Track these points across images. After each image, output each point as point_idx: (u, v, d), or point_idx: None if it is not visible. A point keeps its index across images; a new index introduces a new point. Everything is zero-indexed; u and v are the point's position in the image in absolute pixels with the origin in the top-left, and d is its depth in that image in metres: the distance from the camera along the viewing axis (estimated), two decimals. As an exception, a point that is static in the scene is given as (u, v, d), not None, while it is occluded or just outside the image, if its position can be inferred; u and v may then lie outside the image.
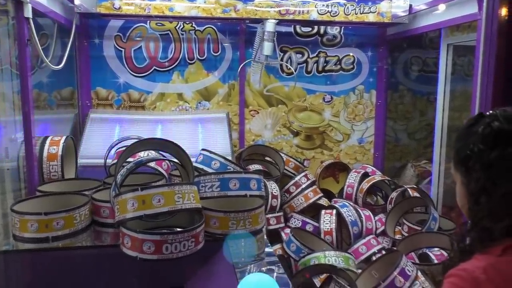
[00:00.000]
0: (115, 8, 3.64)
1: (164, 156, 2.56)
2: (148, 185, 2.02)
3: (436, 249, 2.95)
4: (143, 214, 1.91)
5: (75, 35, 3.63)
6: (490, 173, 1.10)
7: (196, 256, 1.98)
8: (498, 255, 1.06)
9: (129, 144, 2.29)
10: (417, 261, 2.93)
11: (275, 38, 3.93)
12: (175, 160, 2.32)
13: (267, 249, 2.23)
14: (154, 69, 4.18)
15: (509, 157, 1.07)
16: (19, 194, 2.77)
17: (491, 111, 1.15)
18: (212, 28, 4.19)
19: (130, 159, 2.35)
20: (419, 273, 2.49)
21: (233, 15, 3.78)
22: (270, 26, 3.87)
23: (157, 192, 1.93)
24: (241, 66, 4.15)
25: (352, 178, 3.88)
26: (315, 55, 4.39)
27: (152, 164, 2.80)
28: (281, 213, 3.54)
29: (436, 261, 2.84)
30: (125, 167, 2.16)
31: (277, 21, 3.90)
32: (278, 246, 3.35)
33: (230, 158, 3.48)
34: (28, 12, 2.64)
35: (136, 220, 1.95)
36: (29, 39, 2.69)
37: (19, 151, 2.79)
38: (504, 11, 1.79)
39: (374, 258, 3.03)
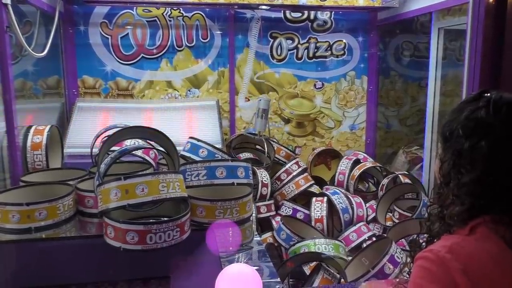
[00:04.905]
0: (100, -6, 3.57)
1: (151, 145, 2.51)
2: (131, 174, 1.98)
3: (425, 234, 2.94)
4: (127, 204, 1.87)
5: (59, 22, 3.55)
6: (458, 161, 1.09)
7: (183, 245, 1.94)
8: (466, 235, 1.05)
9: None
10: (407, 248, 2.92)
11: (268, 115, 3.98)
12: (161, 148, 2.28)
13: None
14: (142, 56, 4.10)
15: (479, 150, 1.05)
16: (3, 185, 2.72)
17: (492, 93, 1.11)
18: (201, 14, 4.11)
19: (115, 148, 2.30)
20: (409, 260, 2.47)
21: (221, 0, 3.71)
22: (264, 103, 3.87)
23: (141, 181, 1.89)
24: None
25: (344, 165, 3.85)
26: (305, 41, 4.33)
27: (140, 152, 2.75)
28: (271, 201, 3.51)
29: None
30: (110, 156, 2.12)
31: (269, 99, 4.01)
32: (268, 234, 3.33)
33: (220, 146, 3.45)
34: (6, -2, 2.57)
35: (120, 210, 1.91)
36: (8, 26, 2.61)
37: (2, 141, 2.73)
38: (492, -7, 1.75)
39: (364, 245, 3.02)
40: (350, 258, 2.79)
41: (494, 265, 0.98)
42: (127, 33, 4.04)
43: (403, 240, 3.00)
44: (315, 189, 3.69)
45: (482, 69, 1.80)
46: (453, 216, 1.09)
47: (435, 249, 1.02)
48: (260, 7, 3.91)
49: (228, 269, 1.33)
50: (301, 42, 4.32)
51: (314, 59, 4.37)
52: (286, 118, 4.43)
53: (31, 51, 2.94)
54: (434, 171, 1.22)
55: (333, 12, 4.28)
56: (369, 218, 3.46)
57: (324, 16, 4.31)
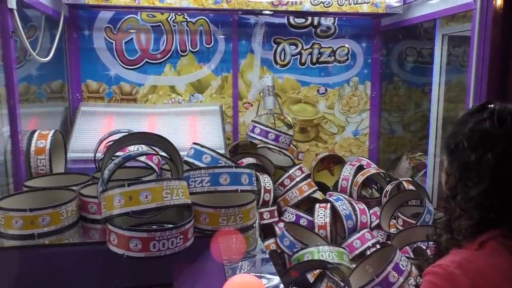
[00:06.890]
0: (105, -1, 3.57)
1: (155, 150, 2.51)
2: (135, 181, 1.97)
3: (431, 243, 2.92)
4: (130, 210, 1.86)
5: (64, 27, 3.55)
6: (465, 174, 1.08)
7: (186, 253, 1.93)
8: (475, 250, 1.04)
9: (117, 138, 2.23)
10: (412, 255, 2.90)
11: (274, 91, 4.00)
12: (164, 154, 2.27)
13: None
14: (146, 61, 4.11)
15: (486, 162, 1.04)
16: (6, 189, 2.71)
17: (496, 104, 1.11)
18: (205, 19, 4.12)
19: (119, 153, 2.30)
20: (413, 268, 2.46)
21: (225, 6, 3.71)
22: (270, 80, 3.89)
23: (144, 188, 1.88)
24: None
25: (347, 171, 3.84)
26: (309, 46, 4.33)
27: (143, 158, 2.75)
28: (274, 207, 3.49)
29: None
30: (113, 161, 2.11)
31: (272, 75, 4.03)
32: (271, 241, 3.31)
33: (223, 151, 3.44)
34: (12, 3, 2.57)
35: (123, 216, 1.90)
36: (13, 31, 2.62)
37: (6, 145, 2.73)
38: (499, 0, 1.74)
39: (368, 252, 3.00)
40: (353, 265, 2.77)
41: (504, 281, 0.97)
42: (131, 38, 4.05)
43: (407, 247, 2.98)
44: (318, 195, 3.68)
45: (489, 76, 1.79)
46: (462, 231, 1.08)
47: (444, 264, 1.01)
48: (263, 12, 3.91)
49: (233, 280, 1.32)
50: (305, 47, 4.32)
51: (317, 65, 4.38)
52: (289, 123, 4.42)
53: (35, 55, 2.94)
54: (442, 185, 1.20)
55: (336, 18, 4.29)
56: (373, 224, 3.43)
57: (327, 22, 4.32)
